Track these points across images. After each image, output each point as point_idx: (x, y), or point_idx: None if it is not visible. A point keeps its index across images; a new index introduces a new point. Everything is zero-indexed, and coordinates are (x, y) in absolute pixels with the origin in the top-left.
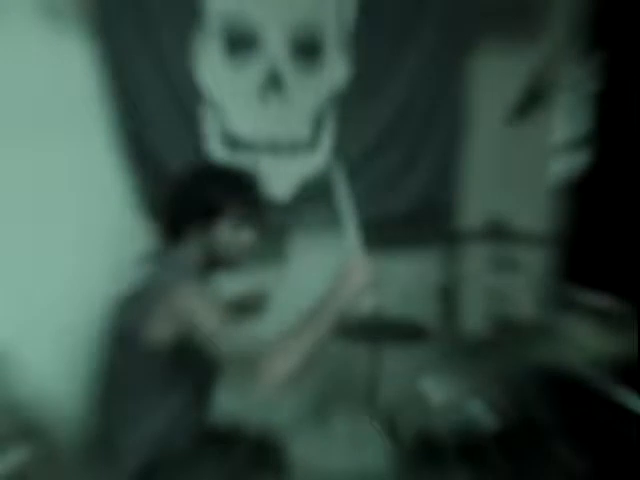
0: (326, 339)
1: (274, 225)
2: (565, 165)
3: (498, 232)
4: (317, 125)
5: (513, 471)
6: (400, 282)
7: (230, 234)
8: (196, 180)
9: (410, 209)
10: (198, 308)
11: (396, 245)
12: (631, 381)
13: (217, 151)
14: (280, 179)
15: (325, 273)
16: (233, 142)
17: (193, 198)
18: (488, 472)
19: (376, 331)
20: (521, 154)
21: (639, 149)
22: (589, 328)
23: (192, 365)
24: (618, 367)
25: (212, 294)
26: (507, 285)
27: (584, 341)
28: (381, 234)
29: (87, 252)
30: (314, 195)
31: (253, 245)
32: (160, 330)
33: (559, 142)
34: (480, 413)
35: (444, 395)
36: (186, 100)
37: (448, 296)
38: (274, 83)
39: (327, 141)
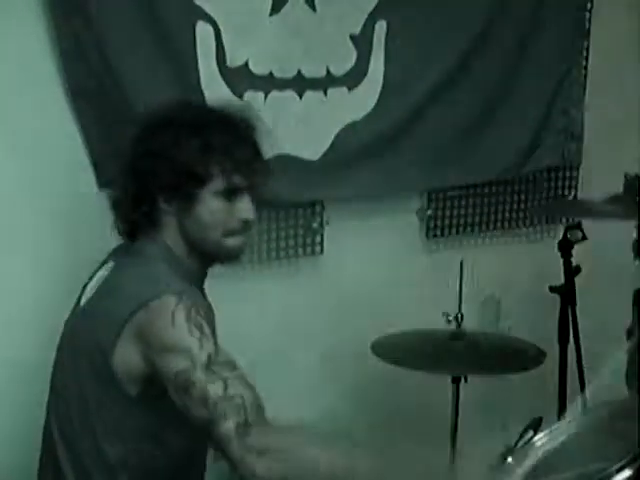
0: None
1: (302, 200)
2: None
3: None
4: (362, 49)
5: None
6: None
7: (220, 205)
8: (170, 129)
9: (497, 176)
10: (170, 332)
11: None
12: None
13: (214, 89)
14: (307, 131)
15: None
16: (238, 77)
17: (175, 157)
18: None
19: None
20: None
21: None
22: None
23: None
24: None
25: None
26: None
27: None
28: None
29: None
30: (355, 154)
31: (253, 223)
32: (127, 363)
33: None
34: None
35: None
36: (169, 16)
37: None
38: None
39: (377, 74)
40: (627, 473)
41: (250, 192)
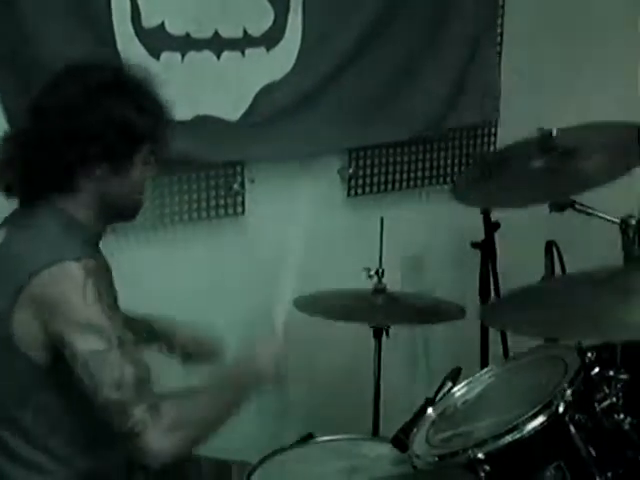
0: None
1: (221, 161)
2: None
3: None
4: (279, 9)
5: None
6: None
7: (142, 167)
8: (109, 94)
9: (417, 135)
10: (76, 306)
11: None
12: None
13: (130, 50)
14: (227, 90)
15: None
16: (154, 37)
17: (112, 120)
18: None
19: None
20: None
21: None
22: None
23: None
24: None
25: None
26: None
27: None
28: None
29: None
30: (275, 114)
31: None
32: (28, 332)
33: None
34: None
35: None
36: None
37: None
38: None
39: (294, 34)
40: (540, 419)
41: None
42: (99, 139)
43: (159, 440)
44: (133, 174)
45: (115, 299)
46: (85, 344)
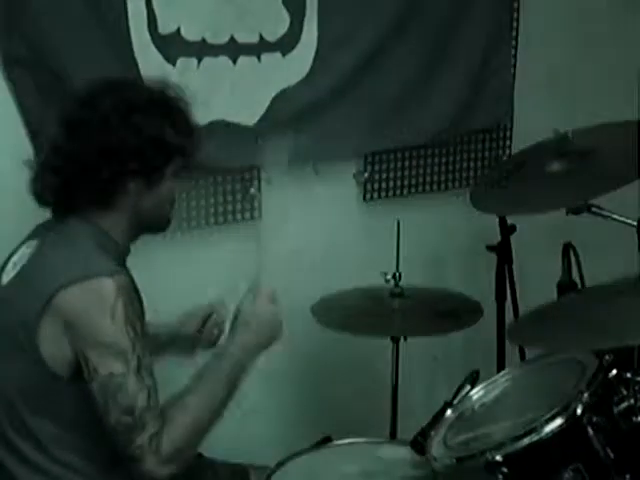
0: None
1: (238, 166)
2: None
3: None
4: (295, 15)
5: None
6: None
7: (171, 186)
8: (141, 112)
9: (432, 140)
10: (101, 325)
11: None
12: None
13: (146, 56)
14: (242, 97)
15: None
16: (170, 43)
17: (145, 137)
18: None
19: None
20: None
21: None
22: None
23: None
24: None
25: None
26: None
27: None
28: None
29: None
30: (291, 119)
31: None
32: (52, 343)
33: None
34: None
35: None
36: None
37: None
38: None
39: (310, 39)
40: (558, 422)
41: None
42: (134, 155)
43: (156, 468)
44: (164, 188)
45: (143, 315)
46: (104, 366)
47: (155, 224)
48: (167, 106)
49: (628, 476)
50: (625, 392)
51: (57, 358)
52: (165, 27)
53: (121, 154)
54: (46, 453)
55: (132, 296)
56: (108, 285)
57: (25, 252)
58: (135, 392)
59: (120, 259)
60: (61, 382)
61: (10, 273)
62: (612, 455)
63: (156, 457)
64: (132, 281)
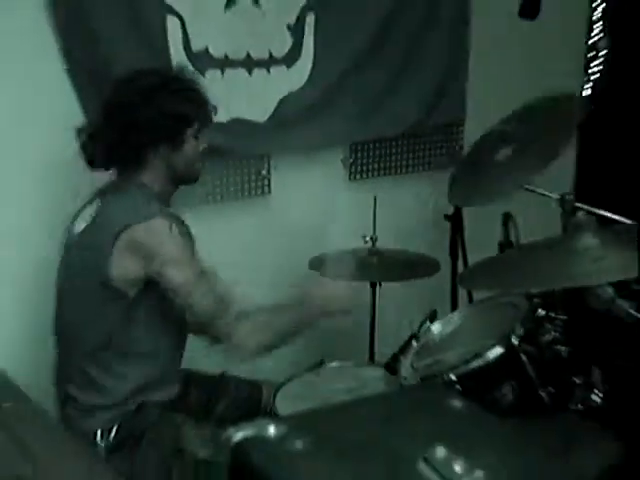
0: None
1: (252, 153)
2: None
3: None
4: (296, 36)
5: None
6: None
7: (195, 142)
8: (161, 92)
9: (404, 131)
10: (169, 249)
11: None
12: None
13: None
14: (256, 98)
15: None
16: (200, 59)
17: (164, 112)
18: None
19: (376, 266)
20: None
21: None
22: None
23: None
24: None
25: (186, 232)
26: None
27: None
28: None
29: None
30: (294, 117)
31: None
32: (125, 271)
33: None
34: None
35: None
36: (145, 12)
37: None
38: None
39: (308, 55)
40: (498, 349)
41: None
42: (156, 126)
43: (246, 337)
44: (187, 148)
45: (191, 238)
46: (180, 274)
47: (186, 177)
48: (181, 85)
49: (550, 388)
50: (550, 327)
51: (125, 282)
52: (196, 46)
53: (148, 126)
54: (114, 376)
55: (180, 226)
56: (160, 221)
57: (91, 209)
58: (209, 287)
59: (164, 205)
60: (127, 303)
61: (81, 225)
62: (539, 374)
63: (243, 327)
64: (177, 217)
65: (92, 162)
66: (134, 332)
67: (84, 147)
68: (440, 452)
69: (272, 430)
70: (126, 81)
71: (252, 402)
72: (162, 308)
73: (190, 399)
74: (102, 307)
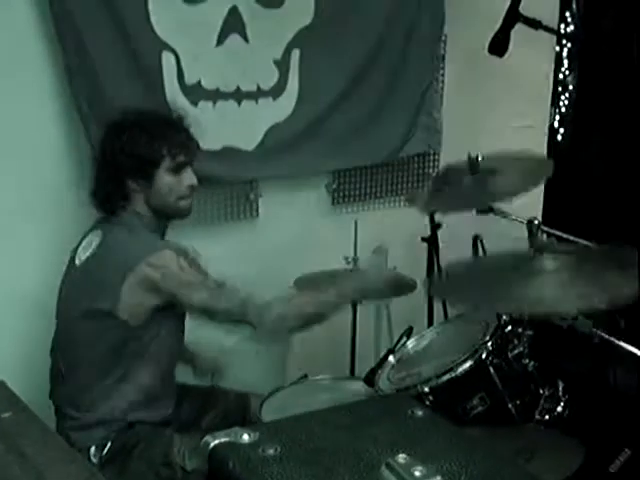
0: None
1: (241, 179)
2: None
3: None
4: (282, 70)
5: None
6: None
7: (171, 178)
8: (130, 132)
9: (382, 160)
10: (181, 278)
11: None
12: None
13: (176, 101)
14: (245, 128)
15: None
16: (193, 91)
17: (136, 151)
18: None
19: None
20: None
21: None
22: None
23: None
24: None
25: (189, 253)
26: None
27: None
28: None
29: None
30: (280, 145)
31: (197, 187)
32: (136, 305)
33: None
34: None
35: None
36: (142, 48)
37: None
38: (235, 24)
39: (293, 88)
40: (469, 363)
41: (191, 165)
42: (123, 164)
43: (283, 310)
44: (160, 184)
45: (196, 260)
46: (197, 294)
47: (170, 211)
48: (144, 124)
49: (518, 401)
50: (517, 342)
51: (133, 311)
52: (190, 79)
53: (116, 163)
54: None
55: (185, 253)
56: (168, 252)
57: (92, 240)
58: (226, 295)
59: (161, 235)
60: (130, 330)
61: (83, 255)
62: (507, 387)
63: (271, 315)
64: (178, 246)
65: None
66: (131, 358)
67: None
68: (401, 458)
69: (246, 437)
70: (112, 120)
71: (240, 413)
72: (161, 335)
73: (181, 412)
74: (101, 333)
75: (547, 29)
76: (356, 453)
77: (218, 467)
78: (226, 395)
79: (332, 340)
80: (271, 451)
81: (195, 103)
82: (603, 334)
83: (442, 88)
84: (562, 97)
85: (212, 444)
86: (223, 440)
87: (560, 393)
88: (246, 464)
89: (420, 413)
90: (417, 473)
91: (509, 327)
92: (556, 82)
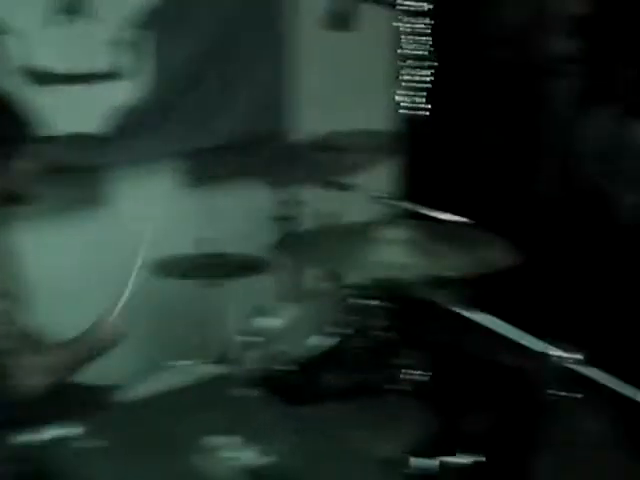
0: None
1: (90, 165)
2: None
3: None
4: (130, 51)
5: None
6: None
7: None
8: None
9: (232, 142)
10: None
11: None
12: None
13: (16, 87)
14: (87, 112)
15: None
16: (37, 75)
17: None
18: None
19: (214, 268)
20: None
21: None
22: None
23: None
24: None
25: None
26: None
27: None
28: (205, 168)
29: None
30: (129, 129)
31: (39, 174)
32: None
33: None
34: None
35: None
36: None
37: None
38: (78, 3)
39: (141, 69)
40: (323, 339)
41: (22, 152)
42: None
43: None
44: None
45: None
46: None
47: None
48: None
49: (377, 374)
50: (374, 315)
51: None
52: (30, 63)
53: None
54: None
55: None
56: None
57: None
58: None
59: None
60: None
61: None
62: (362, 359)
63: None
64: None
65: None
66: None
67: None
68: (229, 440)
69: (67, 431)
70: None
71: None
72: None
73: None
74: None
75: (393, 5)
76: (181, 438)
77: (41, 463)
78: (78, 390)
79: (190, 325)
80: (95, 443)
81: (34, 86)
82: (456, 305)
83: (294, 65)
84: (414, 72)
85: (35, 441)
86: (45, 436)
87: (416, 363)
88: (69, 459)
89: (254, 394)
90: (242, 455)
91: (367, 301)
92: (405, 58)
